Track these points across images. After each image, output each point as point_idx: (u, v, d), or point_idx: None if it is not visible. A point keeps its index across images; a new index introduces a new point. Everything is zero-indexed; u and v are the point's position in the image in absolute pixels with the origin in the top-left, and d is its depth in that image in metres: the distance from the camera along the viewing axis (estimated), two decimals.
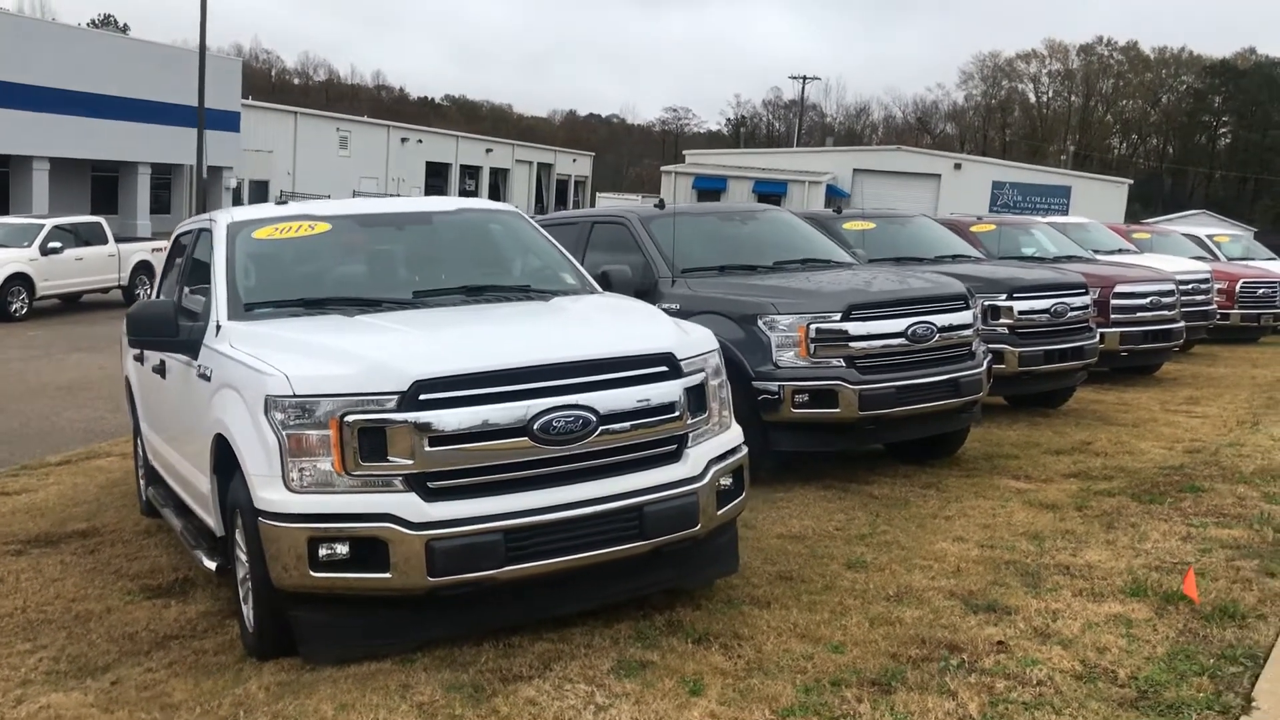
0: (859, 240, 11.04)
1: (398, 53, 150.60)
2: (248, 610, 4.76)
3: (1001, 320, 10.09)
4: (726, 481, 4.79)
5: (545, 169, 77.47)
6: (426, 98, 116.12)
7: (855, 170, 55.19)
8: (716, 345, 5.01)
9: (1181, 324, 13.40)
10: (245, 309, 5.23)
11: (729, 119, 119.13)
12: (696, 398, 4.68)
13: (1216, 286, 17.32)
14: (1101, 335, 12.50)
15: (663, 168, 56.94)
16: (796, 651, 4.45)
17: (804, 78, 79.68)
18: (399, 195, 52.67)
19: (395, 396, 4.14)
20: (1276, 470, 7.80)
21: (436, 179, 64.51)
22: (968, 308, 8.02)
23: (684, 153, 63.21)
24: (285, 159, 52.18)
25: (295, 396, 4.15)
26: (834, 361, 7.43)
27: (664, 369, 4.57)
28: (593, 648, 4.49)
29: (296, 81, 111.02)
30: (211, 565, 5.30)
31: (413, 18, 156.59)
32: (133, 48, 38.17)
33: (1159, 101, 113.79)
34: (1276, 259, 21.75)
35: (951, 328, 7.84)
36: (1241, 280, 17.80)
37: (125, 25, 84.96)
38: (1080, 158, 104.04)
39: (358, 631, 4.37)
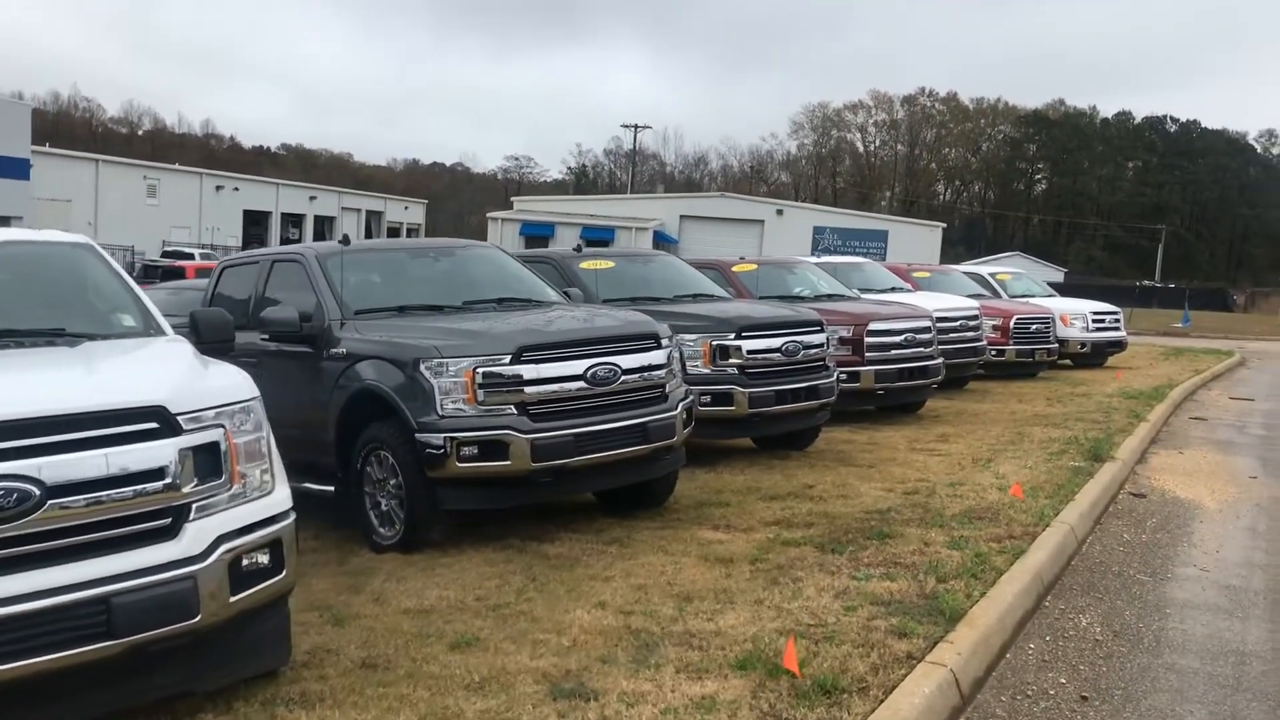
0: (594, 281, 10.49)
1: (237, 102, 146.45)
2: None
3: (731, 360, 9.63)
4: (255, 560, 4.01)
5: (375, 216, 75.83)
6: (262, 146, 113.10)
7: (682, 216, 55.53)
8: (253, 394, 4.23)
9: (939, 361, 13.29)
10: None
11: (569, 167, 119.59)
12: (206, 460, 3.90)
13: (991, 323, 17.54)
14: (857, 374, 12.37)
15: (489, 214, 56.17)
16: None
17: (636, 126, 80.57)
18: (212, 245, 50.55)
19: None
20: (980, 511, 7.47)
21: (256, 228, 62.30)
22: (659, 347, 7.47)
23: (512, 199, 62.65)
24: (86, 208, 49.47)
25: None
26: (506, 409, 6.76)
27: (152, 425, 3.79)
28: None
29: (123, 131, 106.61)
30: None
31: (255, 67, 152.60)
32: None
33: (979, 149, 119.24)
34: (1055, 296, 22.29)
35: (640, 369, 7.26)
36: (1016, 317, 17.98)
37: None
38: (908, 203, 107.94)
39: None
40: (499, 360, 6.75)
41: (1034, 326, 18.13)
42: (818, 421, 10.51)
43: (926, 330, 13.08)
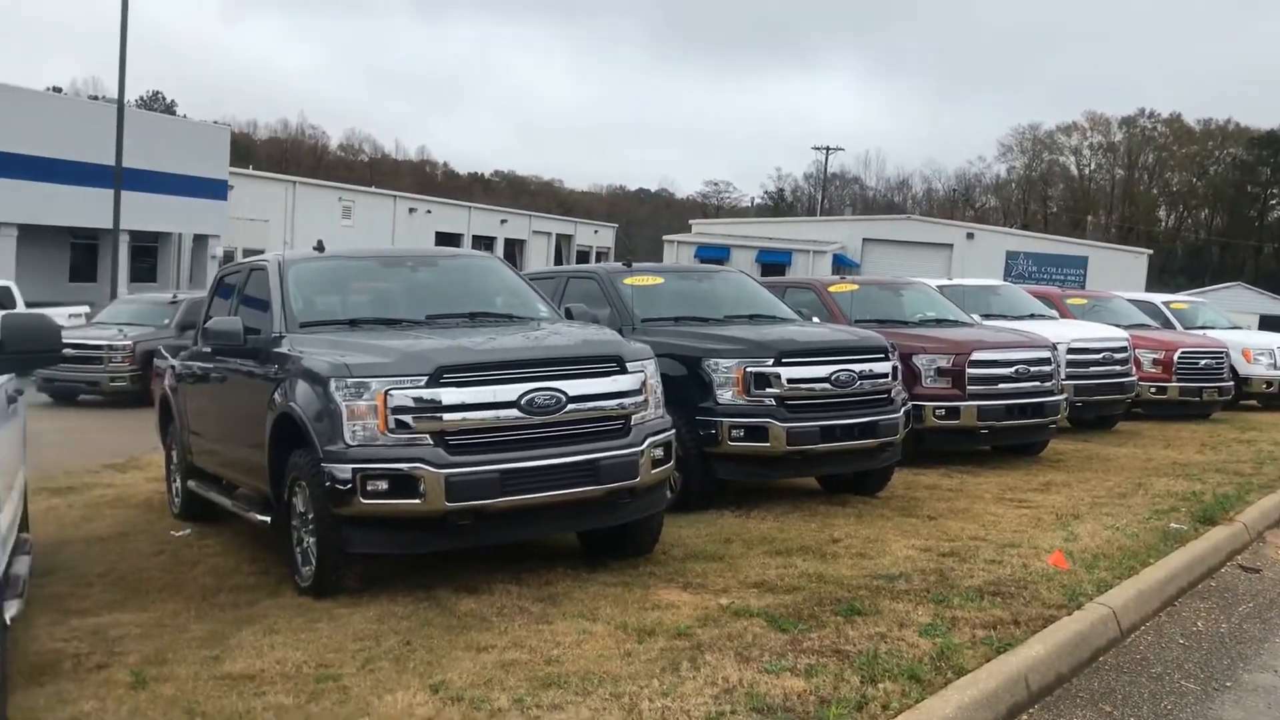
0: (632, 298, 9.49)
1: (454, 131, 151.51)
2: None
3: (769, 390, 8.42)
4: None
5: (565, 239, 76.68)
6: (476, 173, 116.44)
7: (865, 239, 53.56)
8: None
9: (1060, 397, 11.62)
10: None
11: (766, 191, 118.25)
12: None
13: (1151, 356, 15.54)
14: (956, 409, 10.89)
15: (665, 237, 55.67)
16: None
17: (827, 148, 78.71)
18: None
19: None
20: (1004, 584, 6.06)
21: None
22: (623, 372, 6.35)
23: (690, 222, 61.98)
24: (283, 228, 51.70)
25: None
26: (421, 439, 5.84)
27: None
28: None
29: (344, 156, 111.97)
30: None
31: (473, 96, 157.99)
32: (108, 114, 37.78)
33: (1205, 173, 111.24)
34: (1240, 328, 19.71)
35: (594, 396, 6.20)
36: (1180, 350, 15.78)
37: (172, 102, 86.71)
38: (1124, 229, 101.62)
39: None
40: (414, 381, 5.86)
41: (1203, 361, 15.88)
42: (880, 463, 9.10)
43: (1045, 362, 11.42)
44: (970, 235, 53.12)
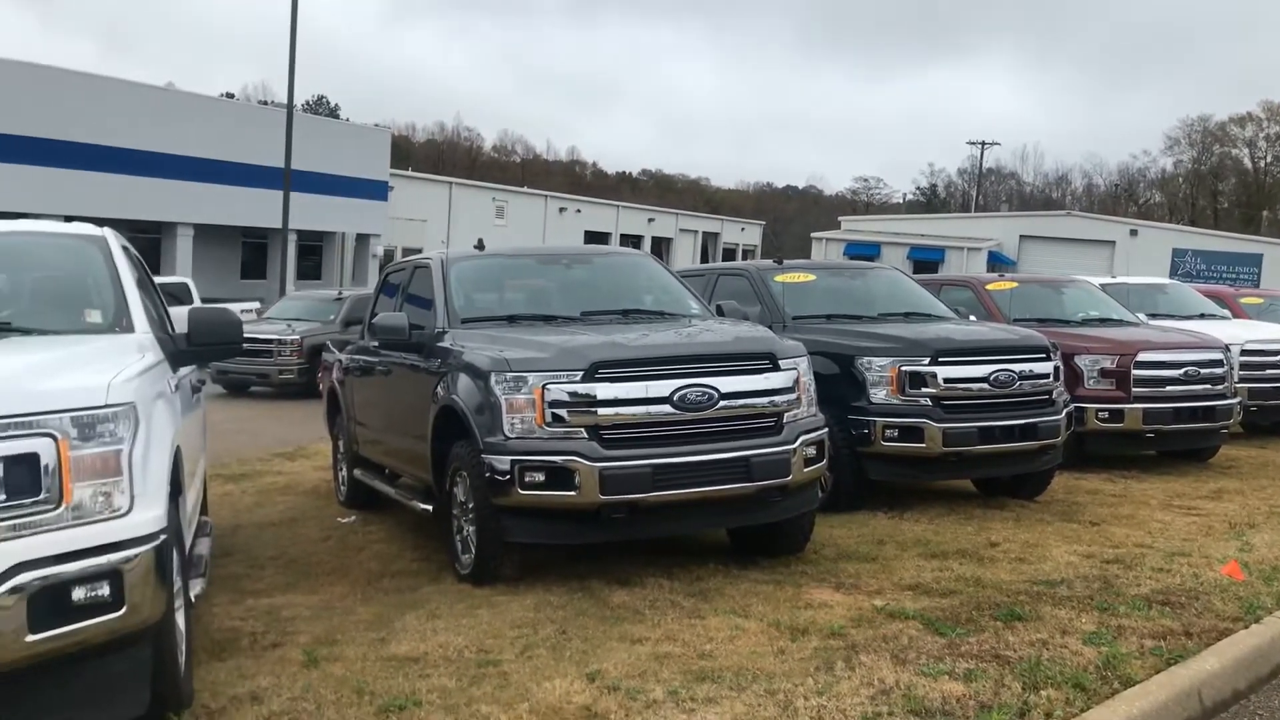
0: (783, 295, 9.45)
1: (603, 130, 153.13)
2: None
3: (924, 390, 8.27)
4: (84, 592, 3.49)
5: (711, 237, 76.72)
6: (624, 172, 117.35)
7: (1022, 236, 51.91)
8: (111, 400, 3.71)
9: (1233, 401, 11.06)
10: None
11: (919, 187, 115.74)
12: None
13: None
14: (1120, 412, 10.49)
15: (813, 234, 55.10)
16: None
17: (982, 143, 76.54)
18: None
19: None
20: (1175, 593, 5.82)
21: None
22: (776, 369, 6.35)
23: (840, 219, 61.17)
24: (440, 228, 53.18)
25: None
26: (576, 433, 5.94)
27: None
28: None
29: (496, 155, 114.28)
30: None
31: (623, 95, 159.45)
32: (275, 119, 39.51)
33: None
34: None
35: (746, 393, 6.21)
36: None
37: (336, 106, 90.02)
38: None
39: None
40: (570, 376, 5.97)
41: None
42: (1041, 466, 8.83)
43: (1216, 364, 10.90)
44: (1134, 232, 50.92)
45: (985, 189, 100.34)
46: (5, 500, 3.39)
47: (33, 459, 3.45)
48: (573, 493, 5.85)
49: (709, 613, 5.55)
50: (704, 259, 73.16)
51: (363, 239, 47.47)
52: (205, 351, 5.20)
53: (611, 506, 5.91)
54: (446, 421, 6.55)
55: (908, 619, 5.36)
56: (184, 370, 5.41)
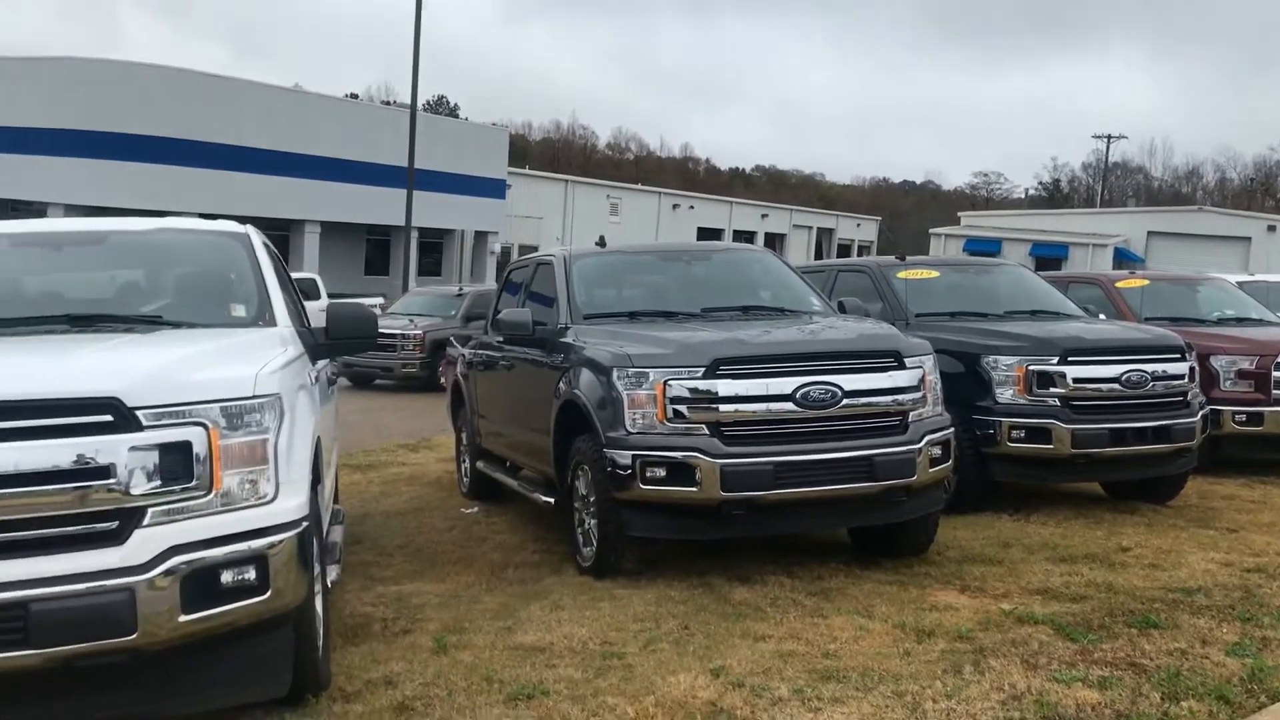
0: (906, 292, 9.32)
1: (717, 126, 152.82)
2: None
3: (1053, 389, 8.07)
4: (233, 576, 3.65)
5: (825, 233, 75.97)
6: (737, 168, 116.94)
7: (1150, 233, 50.22)
8: (259, 391, 3.87)
9: None
10: None
11: (1041, 182, 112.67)
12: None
13: None
14: (1260, 415, 10.08)
15: (931, 230, 54.14)
16: None
17: (1109, 136, 74.13)
18: None
19: None
20: None
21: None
22: (901, 368, 6.27)
23: (959, 215, 59.95)
24: (556, 225, 53.80)
25: None
26: (698, 429, 5.96)
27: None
28: None
29: (610, 153, 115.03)
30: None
31: (736, 91, 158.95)
32: (398, 119, 40.44)
33: None
34: None
35: (870, 391, 6.15)
36: None
37: (456, 105, 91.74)
38: None
39: None
40: (691, 372, 5.99)
41: None
42: (1176, 469, 8.54)
43: None
44: (1271, 228, 48.78)
45: (1111, 184, 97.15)
46: (160, 486, 3.56)
47: (185, 447, 3.61)
48: (693, 488, 5.88)
49: (832, 612, 5.52)
50: (818, 255, 72.49)
51: (481, 236, 48.29)
52: (342, 345, 5.38)
53: (732, 503, 5.92)
54: (569, 416, 6.64)
55: (1037, 623, 5.25)
56: (321, 363, 5.60)
